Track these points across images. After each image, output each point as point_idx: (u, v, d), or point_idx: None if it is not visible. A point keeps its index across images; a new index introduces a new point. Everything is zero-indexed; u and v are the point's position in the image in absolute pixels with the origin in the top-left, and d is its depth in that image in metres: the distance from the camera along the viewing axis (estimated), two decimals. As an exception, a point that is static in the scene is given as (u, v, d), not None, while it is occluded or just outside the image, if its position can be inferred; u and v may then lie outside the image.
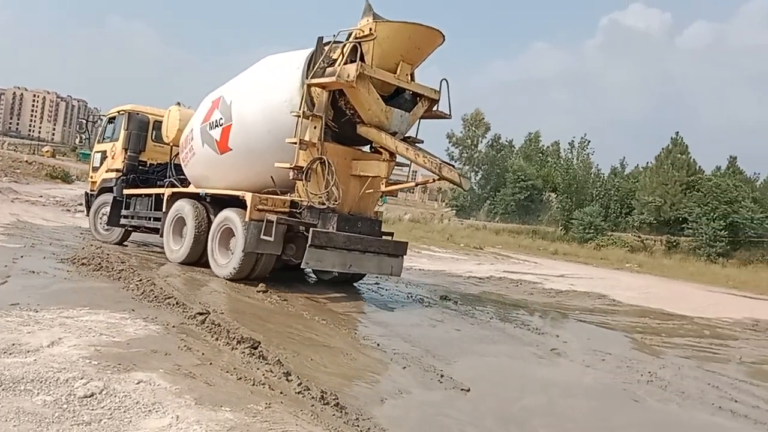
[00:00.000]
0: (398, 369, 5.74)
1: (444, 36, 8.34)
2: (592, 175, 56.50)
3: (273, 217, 8.27)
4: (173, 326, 5.72)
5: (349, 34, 8.34)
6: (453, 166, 8.25)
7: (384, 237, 9.37)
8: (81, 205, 16.68)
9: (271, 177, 9.04)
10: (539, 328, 8.96)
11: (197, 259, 9.87)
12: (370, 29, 8.12)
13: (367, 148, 9.28)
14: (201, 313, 6.21)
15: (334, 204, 8.28)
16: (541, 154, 64.22)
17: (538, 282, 16.11)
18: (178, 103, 12.14)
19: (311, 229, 8.11)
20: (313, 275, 10.91)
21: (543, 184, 56.19)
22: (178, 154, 11.45)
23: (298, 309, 7.76)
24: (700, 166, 46.41)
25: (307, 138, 8.27)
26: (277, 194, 8.99)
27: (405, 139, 8.79)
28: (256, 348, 5.23)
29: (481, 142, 67.56)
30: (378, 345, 6.53)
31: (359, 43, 8.09)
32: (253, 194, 8.54)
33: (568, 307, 12.10)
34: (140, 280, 7.76)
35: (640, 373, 6.91)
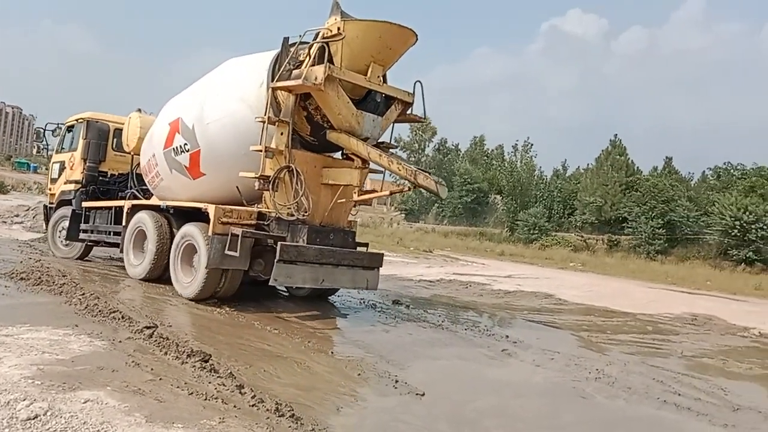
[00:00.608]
0: (353, 376, 5.73)
1: (417, 35, 7.89)
2: (536, 177, 57.84)
3: (238, 231, 7.75)
4: (120, 341, 5.55)
5: (317, 34, 7.86)
6: (429, 173, 7.73)
7: (358, 248, 8.89)
8: (18, 216, 16.01)
9: (237, 187, 8.52)
10: (489, 329, 9.11)
11: (159, 275, 9.37)
12: (339, 29, 7.63)
13: (338, 155, 8.80)
14: (148, 327, 6.05)
15: (303, 215, 7.78)
16: (486, 158, 65.45)
17: (487, 283, 16.36)
18: (139, 110, 11.59)
19: (279, 242, 7.63)
20: (284, 291, 10.46)
21: (489, 187, 57.19)
22: (139, 164, 10.87)
23: (249, 319, 7.66)
24: (638, 167, 48.26)
25: (273, 145, 7.80)
26: (244, 206, 8.48)
27: (378, 145, 8.39)
28: (206, 361, 5.13)
29: (428, 146, 68.37)
30: (332, 353, 6.51)
31: (327, 43, 7.60)
32: (216, 206, 7.99)
33: (517, 308, 12.34)
34: (83, 294, 7.50)
35: (588, 371, 7.10)
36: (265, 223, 8.12)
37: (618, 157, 46.93)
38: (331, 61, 7.57)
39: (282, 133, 7.86)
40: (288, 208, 7.84)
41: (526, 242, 41.65)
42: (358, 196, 8.54)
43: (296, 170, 7.79)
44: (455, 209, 55.48)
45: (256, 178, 7.82)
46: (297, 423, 4.19)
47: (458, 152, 67.54)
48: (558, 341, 8.94)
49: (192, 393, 4.32)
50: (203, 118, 8.79)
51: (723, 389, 6.98)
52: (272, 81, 7.93)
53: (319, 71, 7.43)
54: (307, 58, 7.71)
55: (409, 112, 8.72)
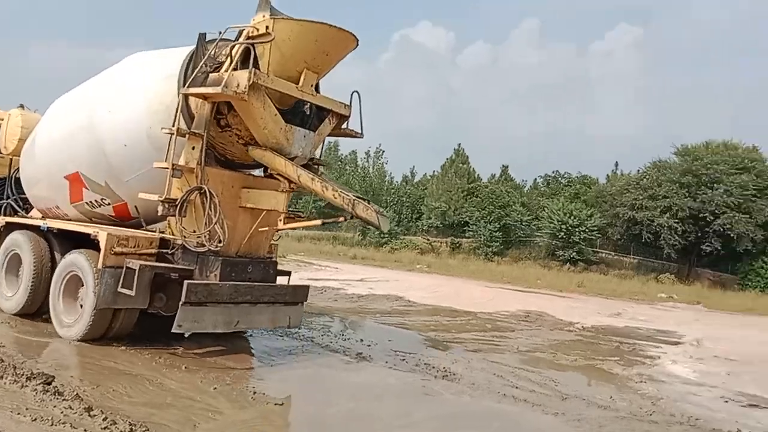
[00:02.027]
0: (209, 390, 5.62)
1: (358, 40, 6.88)
2: (387, 183, 59.63)
3: (136, 264, 6.39)
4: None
5: (240, 33, 6.72)
6: (368, 203, 6.61)
7: (277, 281, 7.69)
8: None
9: (135, 207, 7.44)
10: (344, 333, 9.34)
11: (37, 309, 7.78)
12: (267, 28, 6.49)
13: (258, 172, 7.63)
14: (-24, 350, 5.49)
15: (217, 246, 6.54)
16: (340, 163, 66.21)
17: (341, 288, 16.65)
18: (21, 106, 10.13)
19: (186, 281, 6.26)
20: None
21: (341, 192, 57.85)
22: (18, 168, 9.28)
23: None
24: (478, 175, 51.55)
25: (182, 162, 6.53)
26: (145, 229, 7.31)
27: (308, 165, 7.24)
28: (50, 383, 4.80)
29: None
30: (185, 367, 6.32)
31: (253, 44, 6.41)
32: (108, 233, 6.57)
33: (370, 311, 12.73)
34: None
35: (436, 370, 7.56)
36: (169, 252, 6.84)
37: (461, 165, 49.85)
38: (256, 65, 6.43)
39: (194, 148, 6.61)
40: (198, 237, 6.56)
41: (377, 246, 42.79)
42: (284, 223, 7.38)
43: (209, 192, 6.53)
44: (309, 214, 55.54)
45: (159, 201, 6.49)
46: (153, 442, 4.07)
47: (310, 156, 67.65)
48: (408, 342, 9.38)
49: (36, 419, 4.04)
50: (112, 168, 7.41)
51: (553, 380, 7.77)
52: (184, 85, 6.73)
53: (243, 77, 6.27)
54: (228, 60, 6.62)
55: (344, 126, 7.67)
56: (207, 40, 6.93)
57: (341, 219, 7.61)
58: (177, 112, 6.70)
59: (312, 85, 6.94)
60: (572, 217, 39.28)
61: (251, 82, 6.25)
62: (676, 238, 36.04)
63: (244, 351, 7.55)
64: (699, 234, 36.13)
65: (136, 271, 6.33)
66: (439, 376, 7.28)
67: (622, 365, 9.45)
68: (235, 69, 6.42)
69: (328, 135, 7.70)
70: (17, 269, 8.06)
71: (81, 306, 6.94)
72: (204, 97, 6.64)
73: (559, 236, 39.43)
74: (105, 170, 7.49)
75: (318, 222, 8.29)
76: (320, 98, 7.19)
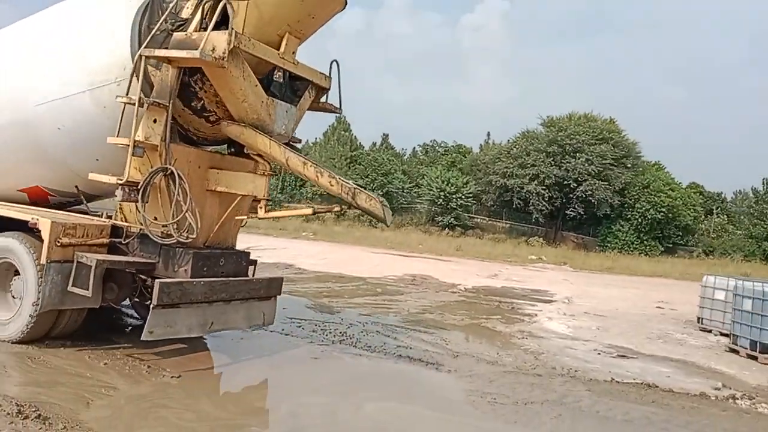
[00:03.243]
0: (99, 366, 5.31)
1: (346, 2, 5.97)
2: (267, 148, 58.37)
3: (91, 259, 5.33)
4: None
5: None
6: (370, 193, 5.83)
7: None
8: None
9: (76, 187, 6.34)
10: (236, 303, 9.12)
11: None
12: None
13: (219, 148, 6.58)
14: None
15: (188, 237, 5.49)
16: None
17: (226, 257, 16.21)
18: None
19: (158, 281, 5.30)
20: (133, 319, 7.49)
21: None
22: None
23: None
24: (360, 142, 51.85)
25: (141, 137, 5.36)
26: (87, 213, 6.19)
27: (289, 144, 6.23)
28: None
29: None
30: (70, 342, 5.90)
31: (228, 1, 5.30)
32: (52, 221, 5.43)
33: (259, 280, 12.52)
34: None
35: (333, 335, 7.64)
36: (123, 242, 5.83)
37: (343, 132, 49.84)
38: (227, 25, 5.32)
39: (155, 121, 5.46)
40: (164, 227, 5.53)
41: (259, 213, 42.08)
42: (265, 211, 6.13)
43: (177, 174, 5.44)
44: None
45: (119, 185, 5.37)
46: (45, 423, 3.80)
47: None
48: (303, 309, 9.37)
49: None
50: (27, 97, 6.13)
51: (444, 339, 8.13)
52: (140, 45, 5.48)
53: (221, 40, 5.17)
54: (196, 17, 5.51)
55: (323, 99, 6.76)
56: None
57: (336, 208, 6.78)
58: (132, 77, 5.42)
59: (293, 53, 6.00)
60: (449, 185, 40.75)
61: (231, 46, 5.19)
62: (544, 203, 38.60)
63: (135, 326, 7.17)
64: (564, 200, 38.92)
65: (93, 268, 5.30)
66: (336, 341, 7.36)
67: (504, 323, 10.06)
68: (203, 29, 5.34)
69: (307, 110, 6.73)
70: None
71: (14, 298, 5.85)
72: (168, 60, 5.42)
73: (438, 203, 40.84)
74: (69, 174, 6.26)
75: (308, 211, 7.10)
76: (302, 68, 6.21)
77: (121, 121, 5.34)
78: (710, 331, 10.90)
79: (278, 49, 5.79)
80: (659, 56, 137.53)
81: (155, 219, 5.52)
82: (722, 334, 10.37)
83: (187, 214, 5.44)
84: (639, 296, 16.59)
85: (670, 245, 39.17)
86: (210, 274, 5.83)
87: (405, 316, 9.85)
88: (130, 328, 7.16)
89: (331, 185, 5.67)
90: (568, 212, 39.21)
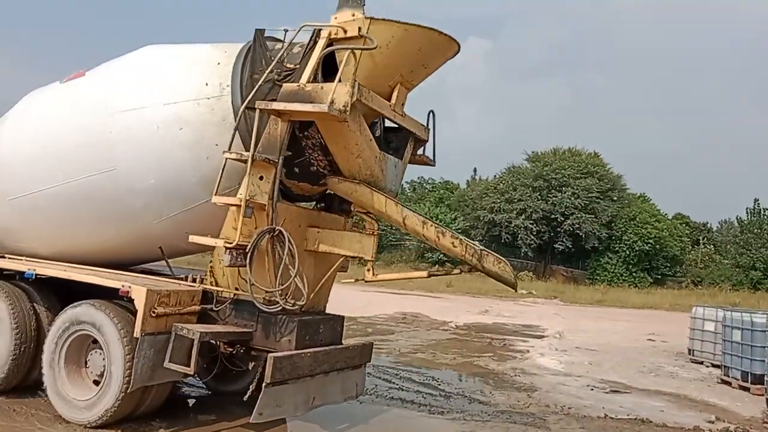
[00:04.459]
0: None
1: (459, 48, 5.51)
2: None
3: (193, 332, 4.80)
4: None
5: (316, 32, 5.19)
6: (498, 256, 5.36)
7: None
8: None
9: (160, 248, 5.88)
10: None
11: (18, 382, 5.75)
12: (360, 29, 5.00)
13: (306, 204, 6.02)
14: None
15: (295, 305, 4.99)
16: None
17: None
18: None
19: (271, 355, 4.77)
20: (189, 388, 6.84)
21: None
22: None
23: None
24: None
25: (243, 194, 4.88)
26: (173, 277, 5.69)
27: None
28: None
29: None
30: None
31: (353, 51, 4.96)
32: (148, 289, 4.88)
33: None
34: None
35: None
36: (215, 308, 5.30)
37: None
38: (334, 76, 4.98)
39: (261, 178, 5.01)
40: (267, 293, 5.01)
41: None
42: (373, 274, 5.58)
43: (285, 235, 4.96)
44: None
45: (226, 248, 4.88)
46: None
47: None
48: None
49: None
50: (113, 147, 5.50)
51: (435, 379, 8.06)
52: (243, 97, 5.15)
53: (342, 92, 4.75)
54: (308, 67, 5.07)
55: (420, 151, 6.24)
56: (265, 36, 5.48)
57: (456, 271, 5.90)
58: (234, 131, 5.05)
59: (402, 104, 5.57)
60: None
61: (354, 98, 4.79)
62: (532, 237, 38.78)
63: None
64: (552, 234, 39.13)
65: (196, 342, 4.75)
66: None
67: (496, 361, 10.00)
68: (313, 79, 5.00)
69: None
70: None
71: (91, 375, 5.26)
72: (279, 113, 5.00)
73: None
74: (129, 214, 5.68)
75: (423, 274, 6.44)
76: (408, 120, 5.72)
77: (220, 178, 4.93)
78: (702, 363, 10.88)
79: (390, 101, 5.37)
80: (639, 88, 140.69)
81: (263, 286, 4.98)
82: (714, 366, 10.36)
83: (296, 279, 4.93)
84: (630, 329, 16.58)
85: (659, 276, 39.36)
86: (311, 343, 5.29)
87: (396, 356, 9.77)
88: (193, 400, 6.68)
89: (454, 246, 5.24)
90: (556, 246, 39.38)
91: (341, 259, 5.64)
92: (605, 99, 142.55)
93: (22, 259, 6.07)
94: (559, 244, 38.96)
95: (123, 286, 5.01)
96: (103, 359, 5.03)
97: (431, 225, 5.30)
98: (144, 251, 6.10)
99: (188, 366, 4.77)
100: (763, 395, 7.90)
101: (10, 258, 6.17)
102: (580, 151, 42.29)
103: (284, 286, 4.89)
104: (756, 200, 41.66)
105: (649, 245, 38.18)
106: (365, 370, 6.16)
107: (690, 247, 44.71)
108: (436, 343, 11.46)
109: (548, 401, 7.32)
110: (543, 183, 39.47)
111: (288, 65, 5.23)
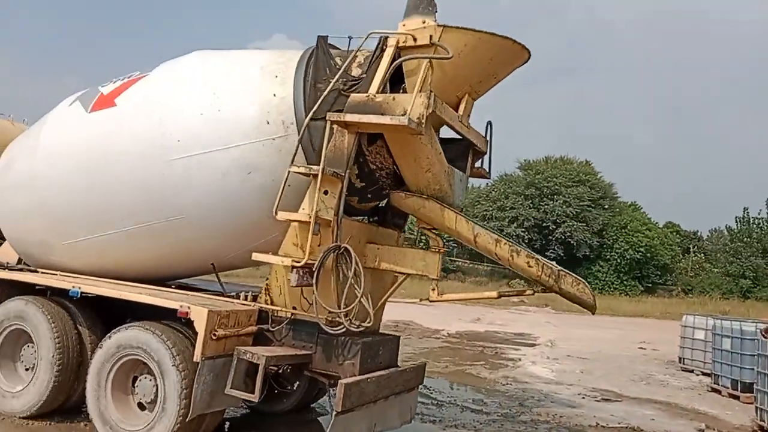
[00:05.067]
0: None
1: (530, 56, 5.23)
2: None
3: (258, 356, 4.47)
4: None
5: (383, 40, 4.90)
6: (577, 276, 5.07)
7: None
8: None
9: (212, 264, 5.58)
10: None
11: (58, 406, 5.46)
12: (431, 38, 4.72)
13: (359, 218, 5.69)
14: None
15: (359, 327, 4.68)
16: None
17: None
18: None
19: (341, 382, 4.44)
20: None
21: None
22: None
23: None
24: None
25: (308, 211, 4.69)
26: (227, 295, 5.30)
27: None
28: None
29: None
30: None
31: (430, 60, 4.68)
32: (209, 310, 4.55)
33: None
34: None
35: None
36: (272, 328, 4.96)
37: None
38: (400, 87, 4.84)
39: (326, 193, 4.69)
40: (330, 313, 4.67)
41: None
42: (438, 294, 5.30)
43: (350, 253, 4.67)
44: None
45: (293, 267, 4.59)
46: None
47: None
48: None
49: None
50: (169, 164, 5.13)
51: (429, 388, 8.05)
52: (306, 107, 4.89)
53: (418, 104, 4.46)
54: (377, 76, 4.81)
55: (479, 164, 5.91)
56: (327, 44, 5.20)
57: (529, 292, 5.53)
58: (298, 145, 4.81)
59: (468, 115, 5.28)
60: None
61: (430, 110, 4.51)
62: (524, 245, 38.81)
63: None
64: (543, 242, 39.24)
65: (262, 367, 4.42)
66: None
67: (488, 369, 10.03)
68: (382, 90, 4.75)
69: None
70: (15, 352, 5.67)
71: (139, 400, 4.94)
72: (346, 125, 4.70)
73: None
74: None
75: (493, 294, 6.09)
76: (472, 131, 5.41)
77: (281, 194, 4.68)
78: (692, 371, 10.96)
79: (458, 111, 5.10)
80: (631, 97, 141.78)
81: (328, 306, 4.65)
82: (704, 374, 10.44)
83: (362, 299, 4.65)
84: (621, 337, 16.65)
85: (650, 284, 39.52)
86: (372, 366, 4.96)
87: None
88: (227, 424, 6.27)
89: (530, 267, 4.92)
90: (548, 254, 39.43)
91: (403, 278, 5.37)
92: (597, 107, 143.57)
93: (56, 274, 5.76)
94: (551, 252, 39.01)
95: (181, 306, 4.67)
96: (154, 385, 4.74)
97: (505, 243, 4.97)
98: (194, 266, 5.79)
99: (252, 393, 4.45)
100: (752, 403, 7.95)
101: (47, 273, 5.83)
102: (572, 159, 42.51)
103: (351, 306, 4.60)
104: (745, 209, 41.89)
105: (640, 254, 38.36)
106: (417, 391, 5.86)
107: (680, 256, 44.93)
108: (429, 351, 11.47)
109: (540, 410, 7.35)
110: (535, 191, 39.62)
111: (349, 73, 4.98)
